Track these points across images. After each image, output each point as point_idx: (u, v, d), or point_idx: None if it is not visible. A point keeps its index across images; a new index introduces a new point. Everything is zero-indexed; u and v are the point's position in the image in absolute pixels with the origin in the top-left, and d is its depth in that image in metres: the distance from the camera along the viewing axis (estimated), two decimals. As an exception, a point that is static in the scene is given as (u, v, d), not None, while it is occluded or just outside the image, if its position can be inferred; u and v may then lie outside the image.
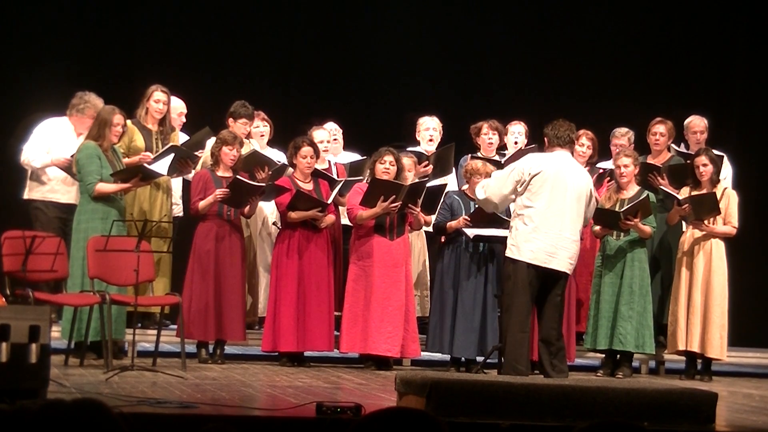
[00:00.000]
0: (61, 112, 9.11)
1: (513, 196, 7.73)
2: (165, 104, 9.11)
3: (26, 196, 9.11)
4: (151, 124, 9.12)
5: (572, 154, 8.03)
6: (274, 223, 9.33)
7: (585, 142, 9.46)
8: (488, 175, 8.60)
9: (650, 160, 9.63)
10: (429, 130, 9.81)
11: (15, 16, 10.91)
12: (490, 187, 7.87)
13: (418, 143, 9.82)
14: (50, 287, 8.58)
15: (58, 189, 8.98)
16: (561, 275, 7.62)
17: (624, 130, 9.87)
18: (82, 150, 8.37)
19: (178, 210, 9.46)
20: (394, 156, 8.89)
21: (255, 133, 9.57)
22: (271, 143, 9.72)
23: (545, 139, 7.94)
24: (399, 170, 8.87)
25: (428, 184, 9.10)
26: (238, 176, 8.66)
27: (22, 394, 5.54)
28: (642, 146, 9.78)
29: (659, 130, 9.70)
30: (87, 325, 8.07)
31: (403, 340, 8.81)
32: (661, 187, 9.32)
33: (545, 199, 7.55)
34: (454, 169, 9.70)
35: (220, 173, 8.79)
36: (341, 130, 9.94)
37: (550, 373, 7.52)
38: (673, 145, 9.82)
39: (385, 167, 8.82)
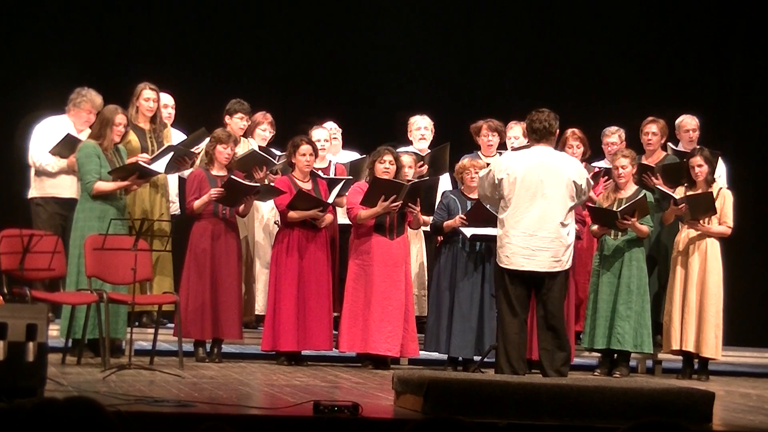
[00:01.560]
0: (60, 110, 9.12)
1: (498, 197, 7.59)
2: (155, 101, 9.12)
3: (30, 195, 9.12)
4: (143, 122, 9.12)
5: (554, 144, 7.69)
6: (276, 222, 9.32)
7: (573, 142, 9.44)
8: (477, 169, 8.72)
9: (644, 159, 9.59)
10: (420, 129, 9.81)
11: (11, 18, 10.90)
12: (479, 189, 7.79)
13: (410, 143, 9.82)
14: (46, 286, 8.57)
15: (60, 184, 8.97)
16: (545, 275, 7.43)
17: (614, 128, 9.85)
18: (82, 149, 8.38)
19: (175, 208, 9.46)
20: (393, 155, 8.90)
21: (258, 134, 9.57)
22: (269, 144, 9.72)
23: (526, 132, 7.78)
24: (398, 169, 8.88)
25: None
26: (232, 176, 8.65)
27: (19, 393, 5.53)
28: (637, 146, 9.75)
29: (651, 129, 9.70)
30: (84, 324, 8.07)
31: (402, 339, 8.82)
32: (657, 186, 9.32)
33: (516, 201, 7.40)
34: (449, 168, 9.67)
35: (214, 172, 8.79)
36: (341, 130, 9.94)
37: (549, 373, 7.47)
38: (670, 145, 9.82)
39: (384, 167, 8.82)
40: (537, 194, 7.41)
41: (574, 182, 7.52)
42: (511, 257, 7.41)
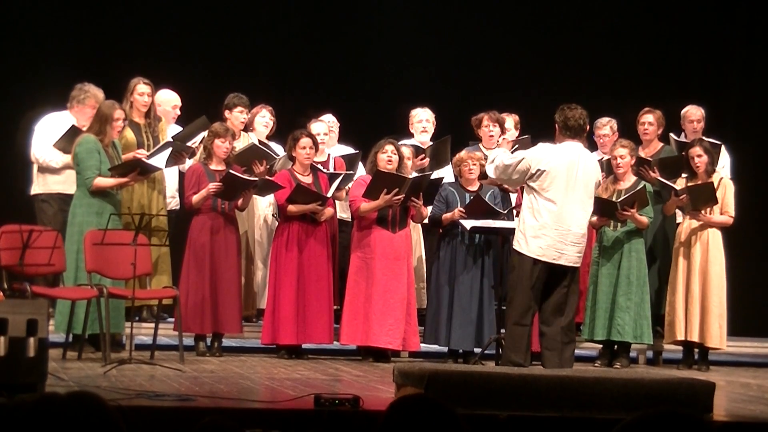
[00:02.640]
0: (61, 107, 9.11)
1: (521, 184, 7.68)
2: (149, 96, 9.11)
3: (34, 191, 9.11)
4: (137, 117, 9.11)
5: (583, 142, 7.83)
6: (273, 215, 9.33)
7: None
8: (475, 162, 8.70)
9: (641, 151, 9.55)
10: (422, 121, 9.80)
11: (9, 14, 10.88)
12: (499, 170, 7.73)
13: (411, 135, 9.82)
14: (47, 281, 8.57)
15: (65, 180, 8.95)
16: (568, 269, 7.55)
17: (605, 119, 9.85)
18: (82, 144, 8.37)
19: (175, 203, 9.45)
20: (395, 146, 8.90)
21: (259, 122, 9.56)
22: (272, 138, 9.71)
23: (556, 125, 7.79)
24: (400, 159, 8.89)
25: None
26: (231, 171, 8.64)
27: (20, 388, 5.54)
28: (632, 137, 9.72)
29: (648, 119, 9.69)
30: (85, 319, 8.08)
31: (404, 333, 8.81)
32: (656, 178, 9.30)
33: (555, 196, 7.46)
34: (450, 161, 9.66)
35: (213, 166, 8.78)
36: (338, 124, 9.92)
37: (552, 364, 7.45)
38: (672, 135, 9.80)
39: (387, 156, 8.82)
40: (575, 190, 7.51)
41: (598, 180, 7.77)
42: (545, 249, 7.45)
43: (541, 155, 7.57)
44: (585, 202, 7.59)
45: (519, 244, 7.56)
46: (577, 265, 7.62)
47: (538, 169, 7.47)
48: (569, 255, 7.52)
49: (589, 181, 7.62)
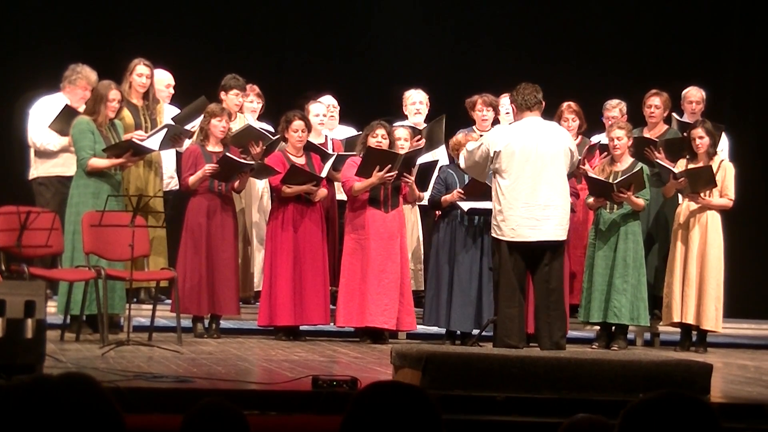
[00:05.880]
0: (56, 89, 9.08)
1: (487, 169, 7.67)
2: (148, 78, 9.08)
3: (32, 176, 9.08)
4: (135, 98, 9.08)
5: (540, 114, 7.76)
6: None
7: (568, 116, 9.41)
8: None
9: (646, 132, 9.59)
10: (416, 103, 9.78)
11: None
12: (466, 161, 7.84)
13: (405, 117, 9.79)
14: (45, 263, 8.57)
15: (63, 162, 8.94)
16: (549, 244, 7.52)
17: (615, 101, 9.83)
18: (76, 126, 8.37)
19: (174, 184, 9.43)
20: (386, 129, 8.89)
21: (247, 107, 9.55)
22: (263, 118, 9.70)
23: (513, 106, 7.85)
24: (391, 143, 8.86)
25: (420, 161, 9.09)
26: (227, 153, 8.62)
27: (18, 370, 5.54)
28: (636, 118, 9.74)
29: (654, 102, 9.68)
30: (82, 300, 8.08)
31: (398, 312, 8.82)
32: (658, 161, 9.29)
33: (514, 173, 7.43)
34: (444, 143, 9.64)
35: (210, 148, 8.76)
36: (338, 107, 9.89)
37: (547, 345, 7.48)
38: (674, 115, 9.79)
39: (377, 141, 8.81)
40: (538, 164, 7.46)
41: (570, 149, 7.64)
42: (516, 229, 7.43)
43: (496, 137, 7.62)
44: (555, 172, 7.51)
45: (494, 231, 7.58)
46: (560, 238, 7.55)
47: (495, 151, 7.49)
48: (546, 230, 7.46)
49: (554, 150, 7.52)
